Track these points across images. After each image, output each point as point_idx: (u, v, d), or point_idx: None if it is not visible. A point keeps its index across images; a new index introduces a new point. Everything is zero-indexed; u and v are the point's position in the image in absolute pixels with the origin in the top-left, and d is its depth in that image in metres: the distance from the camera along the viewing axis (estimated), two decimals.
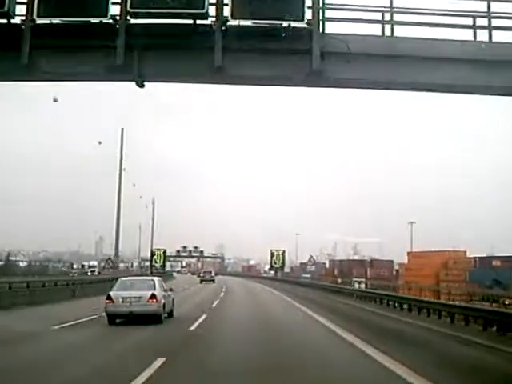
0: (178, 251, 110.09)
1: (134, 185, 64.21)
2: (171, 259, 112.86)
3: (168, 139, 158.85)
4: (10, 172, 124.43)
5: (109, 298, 16.50)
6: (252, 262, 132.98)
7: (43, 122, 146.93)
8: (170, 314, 18.43)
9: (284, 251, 72.64)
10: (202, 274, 71.50)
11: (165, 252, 78.00)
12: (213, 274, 69.41)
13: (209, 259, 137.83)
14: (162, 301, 17.04)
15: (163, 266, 76.85)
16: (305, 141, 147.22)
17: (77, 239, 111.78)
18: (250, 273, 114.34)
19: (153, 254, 77.69)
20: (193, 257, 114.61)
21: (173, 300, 19.10)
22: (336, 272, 57.12)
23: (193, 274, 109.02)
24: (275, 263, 71.24)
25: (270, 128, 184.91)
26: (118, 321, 16.60)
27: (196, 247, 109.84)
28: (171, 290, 19.69)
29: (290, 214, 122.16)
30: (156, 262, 75.84)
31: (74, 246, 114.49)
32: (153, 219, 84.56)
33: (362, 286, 41.96)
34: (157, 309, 16.61)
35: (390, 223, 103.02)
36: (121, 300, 16.39)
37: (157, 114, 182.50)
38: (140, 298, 16.51)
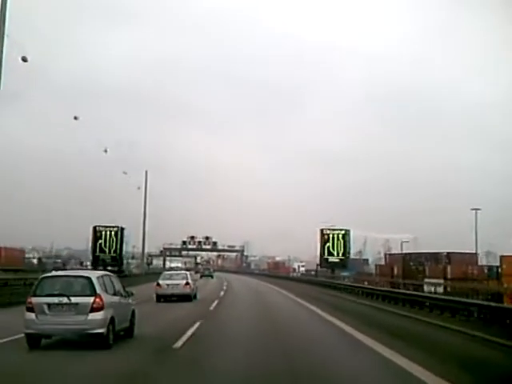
0: (184, 242, 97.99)
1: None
2: (175, 253, 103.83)
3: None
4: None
5: (158, 284, 25.62)
6: (278, 259, 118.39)
7: None
8: (195, 297, 27.43)
9: (347, 231, 51.44)
10: (201, 270, 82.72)
11: (120, 231, 52.90)
12: (211, 270, 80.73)
13: (230, 256, 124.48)
14: (193, 287, 26.24)
15: (117, 258, 52.71)
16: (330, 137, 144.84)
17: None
18: (277, 271, 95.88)
19: (97, 237, 52.28)
20: (203, 250, 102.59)
21: (197, 287, 28.22)
22: (396, 270, 43.84)
23: (196, 272, 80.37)
24: (330, 254, 50.61)
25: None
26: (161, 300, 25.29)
27: (207, 237, 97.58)
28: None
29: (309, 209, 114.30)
30: (103, 250, 52.07)
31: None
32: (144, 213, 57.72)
33: (439, 289, 30.81)
34: (189, 292, 25.64)
35: (424, 218, 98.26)
36: (166, 286, 25.54)
37: None
38: (178, 284, 25.63)
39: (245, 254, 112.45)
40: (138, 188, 52.26)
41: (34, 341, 10.78)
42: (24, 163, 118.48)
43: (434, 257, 42.36)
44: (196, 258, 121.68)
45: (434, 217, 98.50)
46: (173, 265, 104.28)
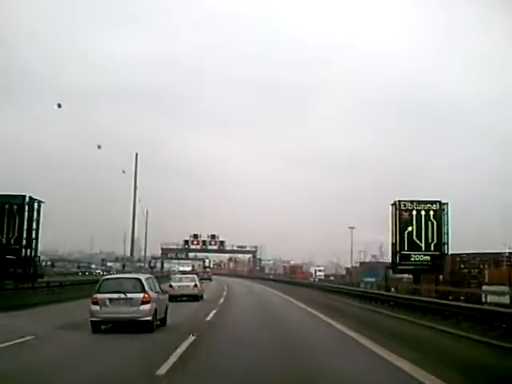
0: (187, 242, 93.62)
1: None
2: (180, 255, 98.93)
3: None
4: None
5: (171, 286, 29.34)
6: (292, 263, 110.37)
7: None
8: (202, 297, 31.13)
9: (444, 206, 32.72)
10: (201, 274, 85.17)
11: (28, 206, 32.70)
12: (210, 274, 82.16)
13: (242, 259, 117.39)
14: (200, 288, 30.01)
15: (21, 251, 32.33)
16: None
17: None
18: (294, 277, 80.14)
19: None
20: (208, 251, 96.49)
21: (203, 288, 32.06)
22: (441, 275, 33.55)
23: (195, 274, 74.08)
24: (414, 246, 32.04)
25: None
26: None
27: (213, 236, 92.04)
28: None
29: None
30: None
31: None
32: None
33: (505, 300, 23.79)
34: (197, 293, 29.31)
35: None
36: (177, 287, 29.26)
37: None
38: (188, 286, 29.37)
39: (257, 256, 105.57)
40: (123, 171, 43.80)
41: (97, 326, 14.20)
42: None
43: (493, 258, 32.45)
44: (204, 262, 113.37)
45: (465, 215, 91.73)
46: (182, 268, 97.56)
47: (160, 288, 16.42)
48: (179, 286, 29.27)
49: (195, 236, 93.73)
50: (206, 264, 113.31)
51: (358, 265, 63.87)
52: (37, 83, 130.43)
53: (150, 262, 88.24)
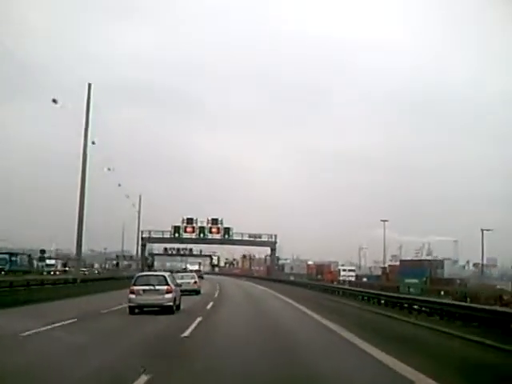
0: (177, 229, 70.68)
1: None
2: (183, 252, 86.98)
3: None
4: None
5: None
6: (310, 263, 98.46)
7: None
8: (199, 292, 37.22)
9: None
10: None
11: None
12: (202, 273, 79.17)
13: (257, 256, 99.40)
14: (199, 284, 36.23)
15: None
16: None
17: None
18: (321, 278, 68.19)
19: None
20: (206, 241, 71.44)
21: (200, 285, 38.31)
22: None
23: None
24: None
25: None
26: None
27: (215, 220, 69.46)
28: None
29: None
30: None
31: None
32: None
33: None
34: (197, 288, 35.55)
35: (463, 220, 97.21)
36: (180, 284, 35.36)
37: None
38: (189, 282, 35.47)
39: (277, 247, 78.70)
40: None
41: (133, 310, 20.10)
42: None
43: None
44: (212, 259, 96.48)
45: (475, 219, 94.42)
46: (191, 267, 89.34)
47: (176, 282, 22.56)
48: (182, 283, 35.38)
49: (189, 221, 69.56)
50: (215, 262, 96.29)
51: (394, 263, 57.25)
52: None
53: (146, 258, 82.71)
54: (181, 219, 71.31)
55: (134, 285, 20.57)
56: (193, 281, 36.02)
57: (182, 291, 34.30)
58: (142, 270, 53.42)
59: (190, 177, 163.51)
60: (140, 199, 64.02)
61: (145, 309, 20.44)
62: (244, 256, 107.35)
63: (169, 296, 20.28)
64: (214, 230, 70.05)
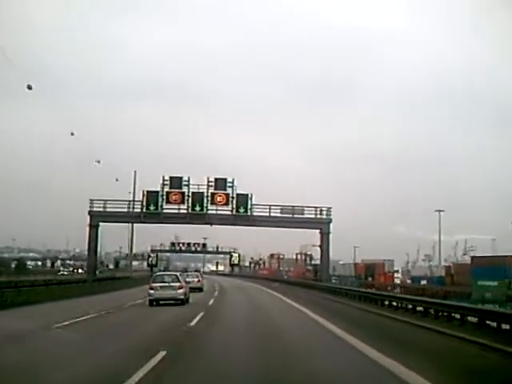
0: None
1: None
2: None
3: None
4: None
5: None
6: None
7: None
8: (202, 289, 42.54)
9: None
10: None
11: None
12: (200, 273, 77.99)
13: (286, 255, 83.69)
14: (202, 282, 41.68)
15: None
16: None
17: None
18: (376, 283, 49.09)
19: None
20: (206, 221, 46.52)
21: (203, 283, 43.78)
22: None
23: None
24: None
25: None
26: None
27: (221, 180, 45.41)
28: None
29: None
30: None
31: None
32: None
33: None
34: (200, 286, 40.95)
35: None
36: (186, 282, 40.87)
37: None
38: (193, 281, 40.81)
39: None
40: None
41: (152, 303, 25.22)
42: None
43: None
44: (232, 256, 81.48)
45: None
46: (213, 268, 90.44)
47: (186, 280, 28.02)
48: (187, 281, 40.80)
49: (174, 183, 45.91)
50: (234, 260, 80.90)
51: (465, 260, 47.29)
52: None
53: (148, 256, 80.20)
54: (161, 179, 45.20)
55: (153, 282, 25.91)
56: (196, 279, 41.40)
57: None
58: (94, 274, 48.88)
59: None
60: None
61: (161, 302, 25.68)
62: (271, 255, 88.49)
63: (181, 291, 25.77)
64: (219, 198, 44.64)
